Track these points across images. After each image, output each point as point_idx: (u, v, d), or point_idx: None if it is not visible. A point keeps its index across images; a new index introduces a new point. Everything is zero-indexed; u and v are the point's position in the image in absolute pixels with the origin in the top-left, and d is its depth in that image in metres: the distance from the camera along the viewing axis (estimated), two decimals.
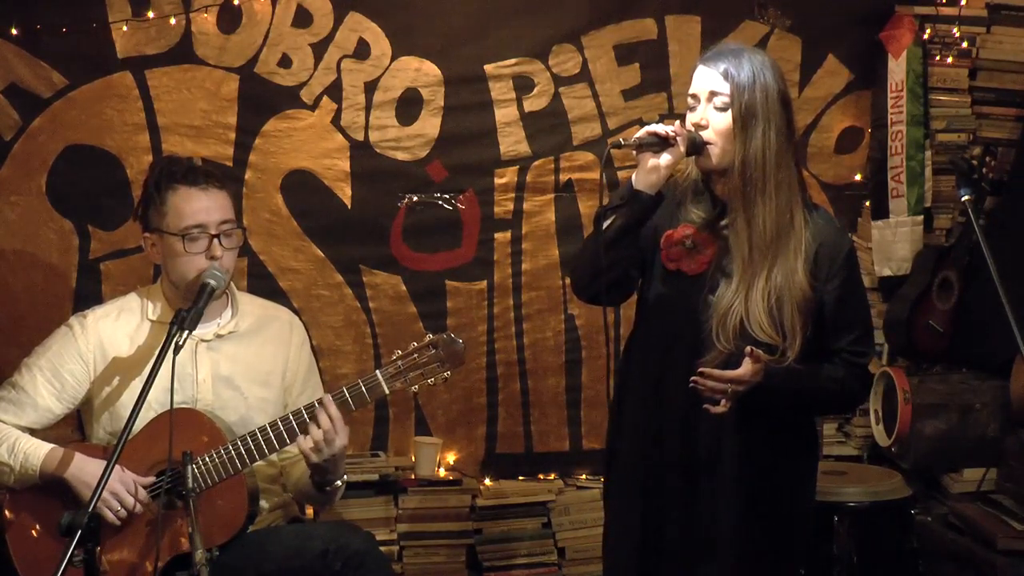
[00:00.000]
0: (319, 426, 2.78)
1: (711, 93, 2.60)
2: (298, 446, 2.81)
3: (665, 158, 2.60)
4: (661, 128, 2.60)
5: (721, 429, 2.64)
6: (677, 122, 2.64)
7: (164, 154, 3.85)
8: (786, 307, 2.59)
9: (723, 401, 2.56)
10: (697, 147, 2.63)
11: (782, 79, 2.63)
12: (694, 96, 2.64)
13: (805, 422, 2.80)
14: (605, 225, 2.63)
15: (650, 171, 2.61)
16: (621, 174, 3.98)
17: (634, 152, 2.63)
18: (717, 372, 2.55)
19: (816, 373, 2.66)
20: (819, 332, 2.66)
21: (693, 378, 2.56)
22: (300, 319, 3.28)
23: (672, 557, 2.71)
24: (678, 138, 2.59)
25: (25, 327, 3.75)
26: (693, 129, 2.62)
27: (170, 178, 2.90)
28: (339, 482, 2.95)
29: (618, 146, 2.65)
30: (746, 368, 2.53)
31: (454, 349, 2.78)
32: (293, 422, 2.84)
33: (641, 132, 2.62)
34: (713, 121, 2.61)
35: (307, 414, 2.83)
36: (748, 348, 2.54)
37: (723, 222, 2.67)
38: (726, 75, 2.58)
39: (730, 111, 2.58)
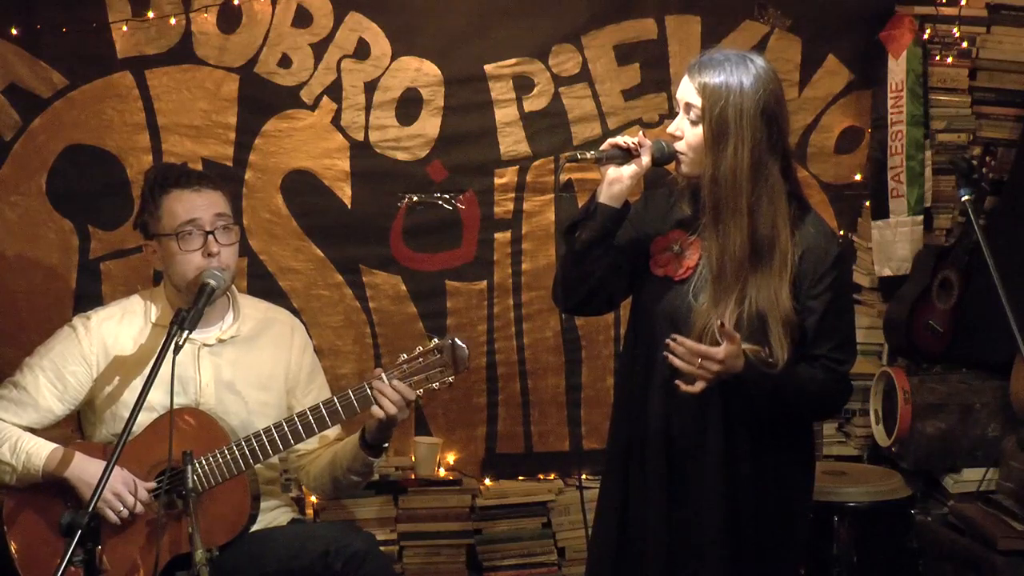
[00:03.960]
0: (389, 399, 2.79)
1: (687, 105, 2.60)
2: (378, 413, 2.80)
3: (628, 169, 2.60)
4: (623, 140, 2.61)
5: (705, 433, 2.63)
6: (640, 133, 2.64)
7: (164, 154, 3.85)
8: (771, 326, 2.55)
9: (697, 382, 2.51)
10: (667, 156, 2.62)
11: (768, 92, 2.55)
12: (676, 102, 2.65)
13: (798, 431, 2.76)
14: (575, 236, 2.63)
15: (612, 183, 2.60)
16: None
17: (597, 164, 2.62)
18: (690, 343, 2.51)
19: (795, 372, 2.60)
20: (801, 338, 2.62)
21: (667, 340, 2.52)
22: (300, 319, 3.29)
23: (654, 560, 2.69)
24: (641, 148, 2.59)
25: (25, 327, 3.75)
26: (669, 139, 2.62)
27: (164, 183, 2.93)
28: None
29: (575, 160, 2.65)
30: (724, 349, 2.49)
31: (459, 355, 2.79)
32: (298, 423, 2.85)
33: (604, 145, 2.62)
34: (686, 133, 2.61)
35: (313, 416, 2.85)
36: (718, 322, 2.50)
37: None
38: (700, 89, 2.56)
39: (701, 125, 2.56)
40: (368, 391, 2.81)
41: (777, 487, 2.68)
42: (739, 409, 2.61)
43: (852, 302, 2.71)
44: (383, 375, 2.80)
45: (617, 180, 2.60)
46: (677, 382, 2.54)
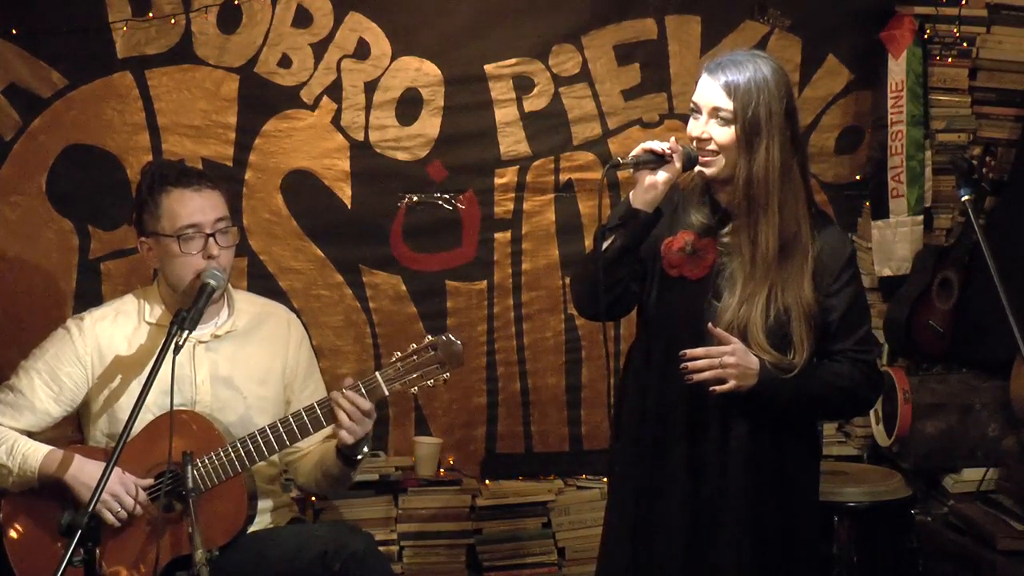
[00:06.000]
0: (346, 414, 2.78)
1: (713, 108, 2.60)
2: (336, 432, 2.81)
3: (662, 175, 2.61)
4: (657, 145, 2.62)
5: (726, 435, 2.65)
6: (672, 138, 2.65)
7: (164, 154, 3.85)
8: (794, 322, 2.60)
9: (729, 382, 2.56)
10: (692, 162, 2.64)
11: (788, 90, 2.62)
12: (696, 105, 2.65)
13: (809, 428, 2.79)
14: (605, 245, 2.64)
15: (647, 189, 2.62)
16: (622, 175, 3.98)
17: (631, 171, 2.64)
18: (701, 350, 2.57)
19: (817, 371, 2.66)
20: (823, 336, 2.67)
21: (683, 364, 2.58)
22: (300, 318, 3.29)
23: (669, 544, 2.70)
24: (674, 155, 2.60)
25: (25, 327, 3.74)
26: (693, 144, 2.64)
27: (162, 181, 2.91)
28: (366, 448, 2.91)
29: (616, 166, 2.67)
30: (729, 344, 2.57)
31: (453, 351, 2.79)
32: (293, 424, 2.84)
33: (637, 150, 2.63)
34: (716, 135, 2.61)
35: (308, 416, 2.84)
36: (708, 325, 2.57)
37: (724, 230, 2.68)
38: (728, 90, 2.57)
39: (733, 127, 2.58)
40: (362, 390, 2.80)
41: (794, 492, 2.71)
42: (764, 411, 2.63)
43: (866, 297, 2.76)
44: (345, 388, 2.79)
45: (652, 186, 2.62)
46: (712, 387, 2.58)
